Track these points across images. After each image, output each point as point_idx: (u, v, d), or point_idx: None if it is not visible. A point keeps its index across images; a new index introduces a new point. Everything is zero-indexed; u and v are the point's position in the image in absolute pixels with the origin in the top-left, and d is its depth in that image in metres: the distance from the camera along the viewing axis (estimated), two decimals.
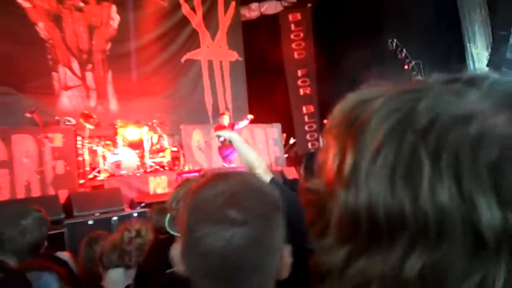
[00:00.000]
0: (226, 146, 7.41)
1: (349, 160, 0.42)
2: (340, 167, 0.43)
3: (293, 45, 12.25)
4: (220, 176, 0.92)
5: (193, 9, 10.58)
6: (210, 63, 10.82)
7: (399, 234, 0.38)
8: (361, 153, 0.41)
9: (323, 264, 0.45)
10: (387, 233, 0.39)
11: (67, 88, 8.71)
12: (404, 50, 9.45)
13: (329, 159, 0.45)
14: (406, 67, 9.44)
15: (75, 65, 8.88)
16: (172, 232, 1.97)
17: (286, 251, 0.92)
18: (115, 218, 5.66)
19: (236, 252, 0.82)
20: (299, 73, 12.12)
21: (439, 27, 9.90)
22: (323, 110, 11.15)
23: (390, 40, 9.52)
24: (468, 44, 11.61)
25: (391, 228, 0.39)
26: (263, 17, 12.03)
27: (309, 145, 11.31)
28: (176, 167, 7.91)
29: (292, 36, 12.29)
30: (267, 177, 2.05)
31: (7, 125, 6.93)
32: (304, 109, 11.85)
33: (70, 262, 2.09)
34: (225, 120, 7.78)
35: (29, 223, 1.95)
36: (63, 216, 5.62)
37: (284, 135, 9.51)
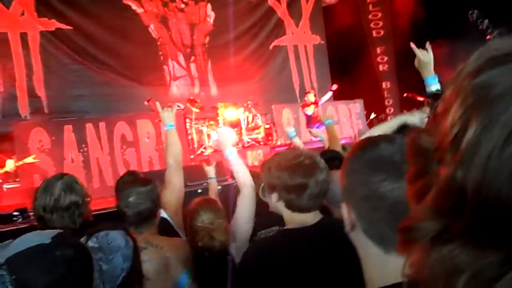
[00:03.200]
0: (313, 121, 7.36)
1: (471, 134, 0.34)
2: (459, 137, 0.35)
3: (372, 25, 11.64)
4: (382, 139, 0.90)
5: (278, 0, 10.48)
6: (295, 47, 10.70)
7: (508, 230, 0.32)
8: (489, 132, 0.33)
9: (412, 231, 0.39)
10: (492, 225, 0.33)
11: (176, 78, 9.19)
12: (486, 20, 8.51)
13: (449, 120, 0.36)
14: (488, 37, 8.51)
15: (181, 58, 9.31)
16: (263, 198, 2.01)
17: None
18: (219, 187, 5.92)
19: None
20: (378, 50, 11.53)
21: None
22: (401, 85, 10.53)
23: (470, 12, 8.61)
24: None
25: (499, 221, 0.32)
26: (342, 1, 11.54)
27: (389, 119, 10.79)
28: (269, 142, 8.03)
29: (370, 16, 11.67)
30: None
31: (132, 111, 7.53)
32: (383, 85, 11.30)
33: (170, 220, 2.23)
34: (311, 97, 7.66)
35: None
36: None
37: (365, 111, 9.15)
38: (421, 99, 8.71)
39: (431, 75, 2.05)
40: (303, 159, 1.41)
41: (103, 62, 8.27)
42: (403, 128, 1.40)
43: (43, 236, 0.98)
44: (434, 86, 2.05)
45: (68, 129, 6.51)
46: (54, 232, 1.01)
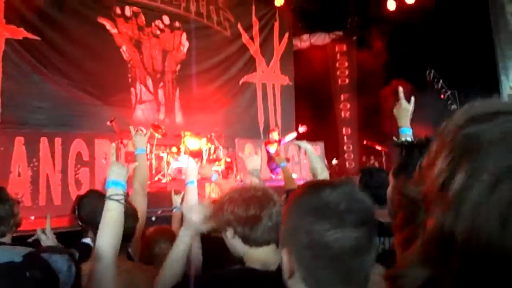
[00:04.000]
0: (273, 160, 7.37)
1: (459, 181, 0.34)
2: (446, 185, 0.35)
3: (338, 73, 12.10)
4: (327, 184, 0.90)
5: (251, 38, 10.70)
6: (264, 85, 10.86)
7: (501, 275, 0.31)
8: (475, 179, 0.33)
9: (399, 278, 0.38)
10: (482, 272, 0.32)
11: (142, 102, 9.00)
12: (441, 80, 9.07)
13: (436, 169, 0.37)
14: (442, 96, 9.04)
15: (149, 83, 9.17)
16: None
17: None
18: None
19: (360, 251, 0.81)
20: (342, 97, 11.93)
21: (475, 60, 9.42)
22: (361, 133, 10.87)
23: (428, 71, 9.16)
24: (502, 77, 10.98)
25: (489, 268, 0.31)
26: (312, 47, 11.96)
27: (347, 164, 11.03)
28: (229, 176, 7.93)
29: (337, 65, 12.16)
30: None
31: (91, 130, 7.24)
32: (344, 131, 11.62)
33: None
34: (275, 135, 7.73)
35: None
36: None
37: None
38: (379, 148, 9.03)
39: (407, 126, 2.11)
40: (255, 192, 1.40)
41: (68, 76, 7.95)
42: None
43: (13, 254, 0.99)
44: (407, 137, 2.09)
45: (19, 141, 6.15)
46: (25, 250, 1.02)
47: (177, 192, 3.19)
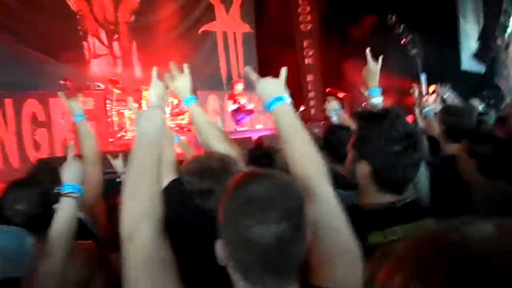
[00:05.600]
0: (238, 111, 7.39)
1: None
2: None
3: (300, 18, 11.89)
4: (254, 177, 0.94)
5: None
6: (224, 34, 10.55)
7: None
8: None
9: None
10: None
11: (96, 56, 8.60)
12: (402, 25, 9.12)
13: None
14: (404, 41, 9.14)
15: (103, 35, 8.72)
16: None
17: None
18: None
19: (285, 245, 0.85)
20: (305, 44, 11.83)
21: (433, 2, 9.50)
22: (325, 80, 10.95)
23: (389, 16, 9.17)
24: (460, 19, 11.19)
25: None
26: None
27: (312, 111, 11.17)
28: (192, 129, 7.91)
29: (299, 10, 11.92)
30: None
31: (45, 89, 6.92)
32: (307, 78, 11.65)
33: (84, 218, 2.10)
34: (239, 87, 7.65)
35: None
36: None
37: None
38: (341, 95, 9.17)
39: (375, 87, 2.14)
40: (213, 162, 1.38)
41: (14, 32, 7.41)
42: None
43: None
44: (376, 98, 2.15)
45: None
46: None
47: (114, 155, 3.05)
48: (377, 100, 2.14)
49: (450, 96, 5.28)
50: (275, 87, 1.30)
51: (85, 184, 1.87)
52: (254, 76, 1.36)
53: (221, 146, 1.66)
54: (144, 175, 1.17)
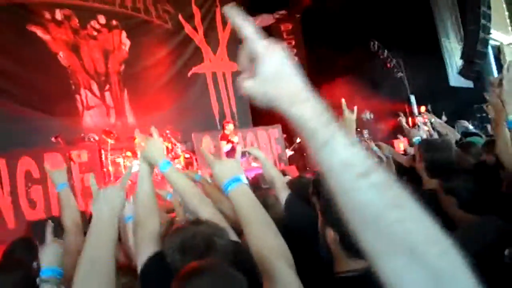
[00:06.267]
0: (233, 152, 7.31)
1: None
2: None
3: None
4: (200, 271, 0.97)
5: (194, 28, 10.44)
6: (214, 74, 10.68)
7: None
8: None
9: None
10: None
11: (89, 108, 8.63)
12: (386, 50, 9.27)
13: None
14: (388, 65, 9.25)
15: (95, 87, 8.79)
16: None
17: None
18: None
19: None
20: None
21: (414, 26, 9.69)
22: None
23: (372, 43, 9.33)
24: (442, 39, 11.40)
25: None
26: (258, 29, 11.83)
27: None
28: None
29: (285, 44, 12.13)
30: (285, 192, 1.97)
31: (39, 146, 6.87)
32: None
33: None
34: (230, 127, 7.59)
35: None
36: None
37: (284, 135, 9.29)
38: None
39: (353, 137, 2.14)
40: (196, 238, 1.28)
41: (5, 92, 7.47)
42: None
43: None
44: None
45: None
46: None
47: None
48: None
49: (437, 121, 5.25)
50: (231, 169, 1.30)
51: (65, 254, 1.76)
52: (210, 158, 1.36)
53: (207, 210, 1.56)
54: (96, 262, 1.17)
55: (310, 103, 0.60)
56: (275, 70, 0.61)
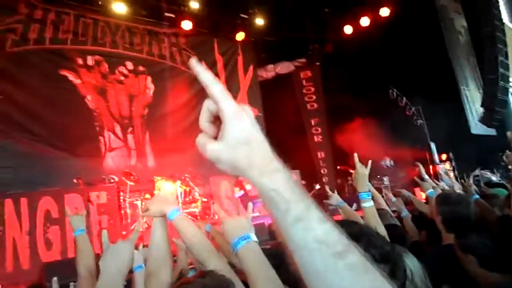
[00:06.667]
0: (245, 197, 7.26)
1: None
2: None
3: (306, 98, 12.22)
4: None
5: (216, 74, 10.67)
6: None
7: None
8: None
9: None
10: None
11: (111, 149, 8.78)
12: (404, 98, 9.23)
13: None
14: (408, 113, 9.18)
15: (118, 129, 8.98)
16: None
17: None
18: None
19: None
20: (312, 122, 11.99)
21: (433, 74, 9.69)
22: (335, 155, 10.89)
23: (390, 90, 9.34)
24: (462, 87, 11.32)
25: None
26: (278, 76, 12.09)
27: (326, 188, 10.95)
28: (207, 216, 7.70)
29: (304, 91, 12.29)
30: None
31: (60, 185, 6.94)
32: (319, 155, 11.62)
33: None
34: None
35: None
36: None
37: (303, 181, 9.16)
38: (353, 171, 9.03)
39: (365, 191, 2.13)
40: None
41: (31, 132, 7.70)
42: None
43: None
44: (367, 202, 2.12)
45: None
46: None
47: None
48: (368, 204, 2.11)
49: (445, 177, 5.06)
50: (240, 226, 1.32)
51: None
52: (221, 214, 1.38)
53: (215, 262, 1.51)
54: None
55: (282, 173, 0.55)
56: (244, 136, 0.55)
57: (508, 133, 1.95)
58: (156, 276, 1.54)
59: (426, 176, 3.65)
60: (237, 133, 0.55)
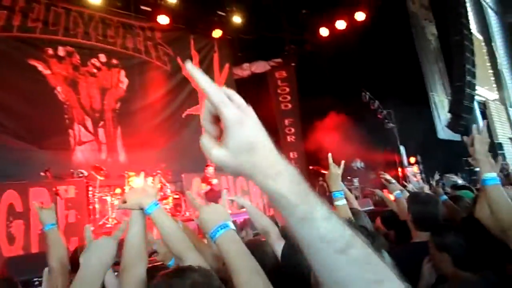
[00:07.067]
0: (211, 193, 7.34)
1: None
2: None
3: (280, 98, 12.29)
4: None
5: None
6: None
7: None
8: None
9: None
10: None
11: (81, 143, 8.53)
12: (376, 101, 9.43)
13: None
14: (379, 116, 9.39)
15: (89, 123, 8.74)
16: None
17: None
18: None
19: None
20: (286, 122, 12.08)
21: (404, 78, 9.96)
22: (308, 156, 11.01)
23: (363, 93, 9.52)
24: (430, 93, 11.69)
25: None
26: (253, 75, 12.11)
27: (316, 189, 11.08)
28: (178, 213, 7.61)
29: (279, 91, 12.36)
30: (280, 243, 1.88)
31: (25, 178, 6.69)
32: (291, 155, 11.71)
33: None
34: (210, 170, 7.69)
35: None
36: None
37: None
38: (325, 172, 9.17)
39: (338, 190, 2.21)
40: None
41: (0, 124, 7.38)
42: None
43: None
44: (340, 200, 2.19)
45: None
46: None
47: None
48: (341, 202, 2.18)
49: (413, 179, 5.23)
50: (218, 214, 1.27)
51: None
52: (196, 202, 1.33)
53: (192, 255, 1.48)
54: None
55: (286, 174, 0.56)
56: (248, 141, 0.56)
57: (464, 138, 2.04)
58: (131, 270, 1.51)
59: (393, 180, 3.75)
60: (239, 141, 0.56)
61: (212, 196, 7.36)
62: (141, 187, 1.67)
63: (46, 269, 1.71)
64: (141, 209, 1.61)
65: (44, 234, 2.14)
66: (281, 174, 0.55)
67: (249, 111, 0.58)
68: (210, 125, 0.59)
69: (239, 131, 0.55)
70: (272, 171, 0.55)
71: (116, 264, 1.53)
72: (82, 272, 1.29)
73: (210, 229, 1.23)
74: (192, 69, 0.57)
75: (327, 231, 0.54)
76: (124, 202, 1.63)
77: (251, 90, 11.32)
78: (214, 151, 0.57)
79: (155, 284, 1.26)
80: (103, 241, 1.39)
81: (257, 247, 1.96)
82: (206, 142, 0.59)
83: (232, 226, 1.26)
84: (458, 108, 10.82)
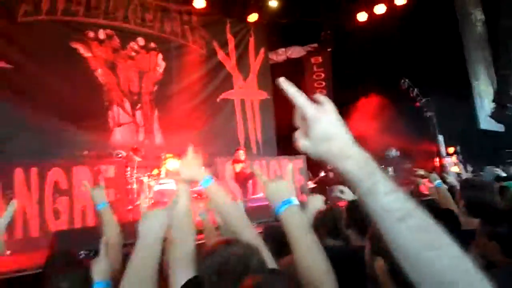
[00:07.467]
0: (240, 177, 7.43)
1: None
2: None
3: (315, 84, 12.15)
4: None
5: (227, 54, 10.64)
6: (242, 101, 10.78)
7: None
8: None
9: None
10: None
11: (120, 125, 8.79)
12: (416, 89, 9.14)
13: None
14: (417, 104, 9.11)
15: (127, 105, 8.98)
16: None
17: None
18: None
19: None
20: None
21: (446, 67, 9.59)
22: None
23: (402, 80, 9.24)
24: (473, 81, 11.22)
25: None
26: (289, 61, 12.00)
27: (331, 174, 10.98)
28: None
29: (314, 76, 12.21)
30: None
31: (66, 157, 6.99)
32: None
33: None
34: (240, 155, 7.71)
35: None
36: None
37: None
38: None
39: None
40: (233, 260, 1.23)
41: (42, 104, 7.64)
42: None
43: None
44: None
45: None
46: None
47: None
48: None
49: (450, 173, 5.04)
50: (283, 190, 1.34)
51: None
52: (263, 178, 1.40)
53: (246, 232, 1.50)
54: (140, 279, 1.25)
55: (354, 158, 0.71)
56: (323, 132, 0.73)
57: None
58: (180, 246, 1.56)
59: (426, 174, 3.65)
60: (317, 133, 0.73)
61: (243, 178, 7.48)
62: (195, 161, 1.68)
63: (104, 238, 1.80)
64: (194, 181, 1.65)
65: (97, 212, 2.26)
66: (350, 157, 0.71)
67: (329, 111, 0.75)
68: (301, 122, 0.76)
69: (317, 126, 0.73)
70: (342, 155, 0.71)
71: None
72: (141, 240, 1.35)
73: (276, 204, 1.30)
74: (284, 84, 0.78)
75: (387, 202, 0.66)
76: (175, 173, 1.69)
77: (286, 75, 10.94)
78: (301, 141, 0.75)
79: (202, 260, 1.32)
80: (158, 211, 1.44)
81: None
82: (297, 135, 0.76)
83: (296, 201, 1.32)
84: (503, 98, 10.34)
